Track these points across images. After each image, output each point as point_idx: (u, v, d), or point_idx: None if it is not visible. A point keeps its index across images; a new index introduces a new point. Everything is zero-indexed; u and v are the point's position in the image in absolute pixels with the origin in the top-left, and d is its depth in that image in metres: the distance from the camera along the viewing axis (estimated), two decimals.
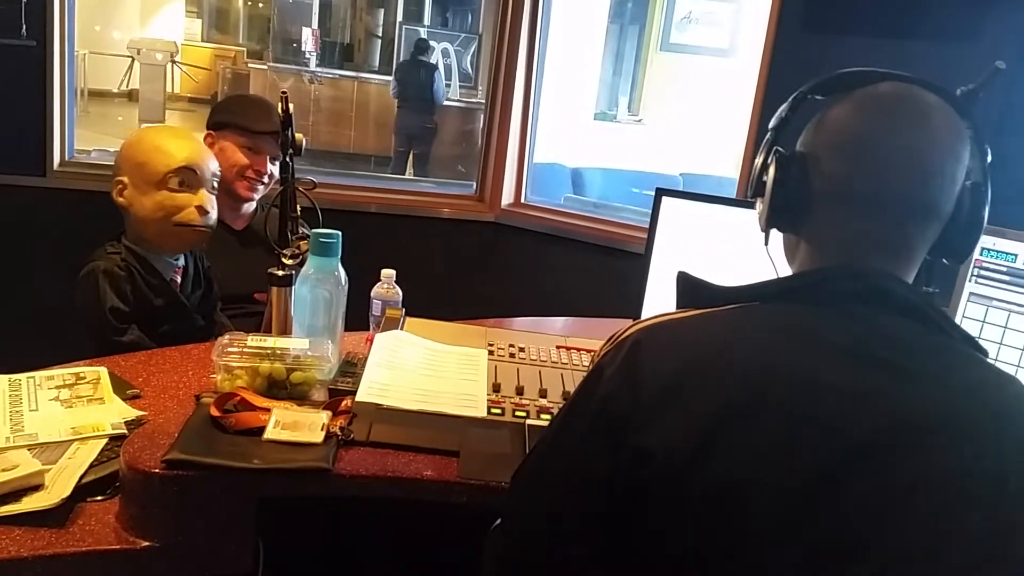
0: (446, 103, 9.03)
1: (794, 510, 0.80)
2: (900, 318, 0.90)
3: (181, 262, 1.94)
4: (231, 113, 2.26)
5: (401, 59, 9.52)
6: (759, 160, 1.04)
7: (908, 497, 0.79)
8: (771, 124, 1.07)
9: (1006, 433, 0.83)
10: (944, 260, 1.00)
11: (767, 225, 1.03)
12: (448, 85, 9.63)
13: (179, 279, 1.94)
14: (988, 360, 0.95)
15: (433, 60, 8.91)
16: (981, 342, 0.96)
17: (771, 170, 1.00)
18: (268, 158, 2.23)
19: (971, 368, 0.90)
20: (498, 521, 1.05)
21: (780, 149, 1.01)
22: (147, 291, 1.84)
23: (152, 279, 1.85)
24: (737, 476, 0.82)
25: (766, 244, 1.05)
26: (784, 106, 1.08)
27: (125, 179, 1.84)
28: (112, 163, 1.91)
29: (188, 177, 1.84)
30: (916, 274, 0.97)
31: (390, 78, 9.17)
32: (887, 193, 0.92)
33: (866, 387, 0.84)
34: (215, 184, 1.91)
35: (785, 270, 1.03)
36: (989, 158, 0.99)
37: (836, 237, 0.96)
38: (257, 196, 2.30)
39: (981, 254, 1.59)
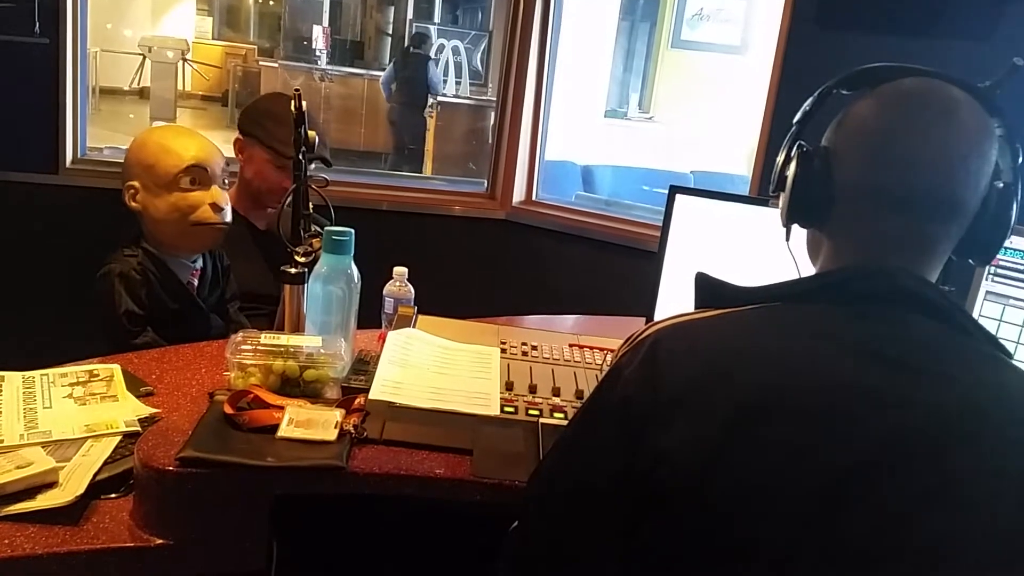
0: (456, 100, 9.03)
1: (814, 511, 0.79)
2: (924, 318, 0.89)
3: (199, 264, 1.94)
4: (261, 127, 2.21)
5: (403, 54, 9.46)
6: (782, 155, 1.03)
7: (929, 498, 0.78)
8: (795, 119, 1.06)
9: None
10: (970, 260, 0.99)
11: (788, 220, 1.02)
12: (459, 82, 9.64)
13: (196, 282, 1.94)
14: (1012, 361, 0.93)
15: (431, 53, 8.91)
16: (1001, 342, 0.95)
17: (793, 165, 0.99)
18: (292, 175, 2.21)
19: (995, 369, 0.89)
20: (515, 524, 1.04)
21: (803, 143, 1.00)
22: (163, 294, 1.84)
23: (168, 282, 1.86)
24: (756, 477, 0.81)
25: (787, 240, 1.05)
26: (809, 100, 1.07)
27: (136, 183, 1.84)
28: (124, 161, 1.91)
29: (199, 175, 1.84)
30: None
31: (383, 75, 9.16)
32: (910, 190, 0.91)
33: (888, 388, 0.83)
34: (226, 180, 1.91)
35: (806, 266, 1.03)
36: (1021, 158, 0.98)
37: (858, 234, 0.95)
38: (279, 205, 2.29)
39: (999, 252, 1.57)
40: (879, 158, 0.93)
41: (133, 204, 1.85)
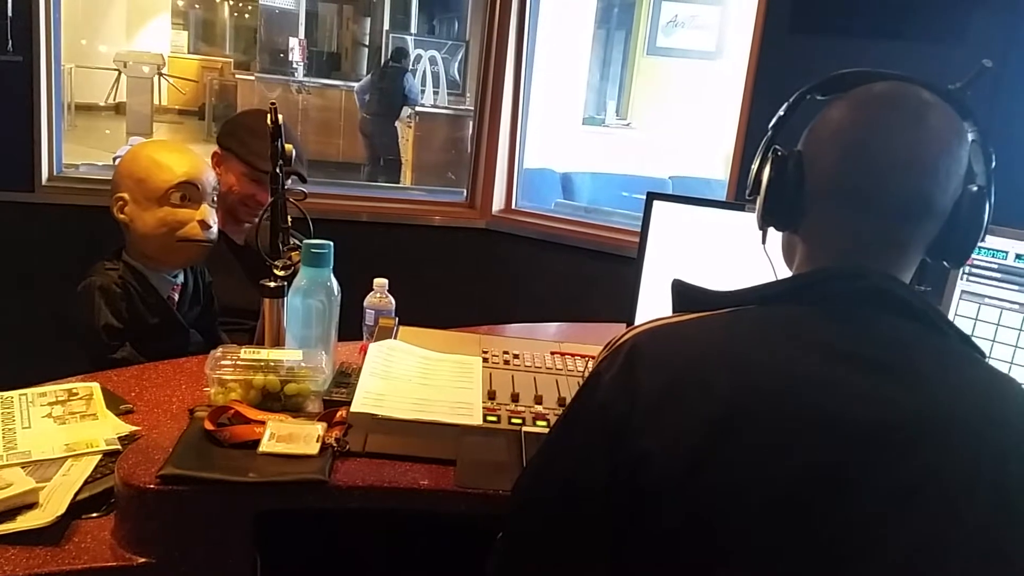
0: (434, 110, 9.05)
1: (795, 511, 0.80)
2: (898, 319, 0.90)
3: (180, 279, 1.93)
4: (238, 140, 2.23)
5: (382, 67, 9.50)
6: (757, 159, 1.05)
7: (907, 497, 0.79)
8: (771, 124, 1.08)
9: (1003, 434, 0.83)
10: (944, 262, 1.00)
11: (763, 223, 1.03)
12: (436, 92, 9.65)
13: (176, 296, 1.93)
14: (986, 360, 0.94)
15: (408, 66, 8.96)
16: (976, 341, 0.96)
17: (767, 169, 1.00)
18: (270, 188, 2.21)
19: (969, 369, 0.90)
20: (501, 534, 1.04)
21: (778, 148, 1.01)
22: (143, 309, 1.83)
23: (148, 297, 1.84)
24: (737, 479, 0.82)
25: (763, 243, 1.06)
26: (784, 106, 1.08)
27: (126, 195, 1.83)
28: (101, 177, 1.90)
29: (189, 192, 1.83)
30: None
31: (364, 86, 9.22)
32: (881, 192, 0.92)
33: (865, 388, 0.84)
34: (215, 197, 1.91)
35: (783, 268, 1.04)
36: (993, 163, 0.99)
37: (831, 237, 0.96)
38: (257, 219, 2.28)
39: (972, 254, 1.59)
40: (851, 162, 0.94)
41: (121, 216, 1.84)
